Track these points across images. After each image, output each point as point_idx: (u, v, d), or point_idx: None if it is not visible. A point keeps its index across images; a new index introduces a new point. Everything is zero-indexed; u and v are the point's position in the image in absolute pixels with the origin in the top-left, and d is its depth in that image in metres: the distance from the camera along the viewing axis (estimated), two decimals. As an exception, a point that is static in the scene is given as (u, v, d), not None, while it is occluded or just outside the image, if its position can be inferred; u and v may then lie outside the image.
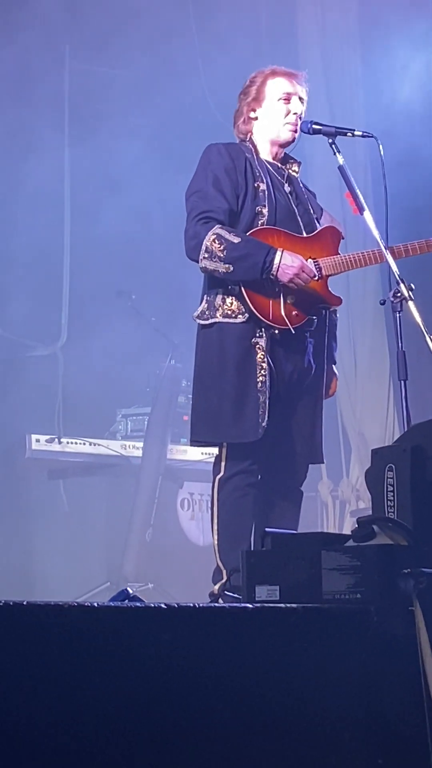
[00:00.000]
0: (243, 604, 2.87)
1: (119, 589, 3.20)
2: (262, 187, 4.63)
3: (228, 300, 4.56)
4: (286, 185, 4.74)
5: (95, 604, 2.45)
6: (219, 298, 4.58)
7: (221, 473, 4.54)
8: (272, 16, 8.11)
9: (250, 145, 4.75)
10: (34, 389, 7.65)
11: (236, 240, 4.47)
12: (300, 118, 4.72)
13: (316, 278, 4.61)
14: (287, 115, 4.71)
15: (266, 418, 4.47)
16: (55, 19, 7.69)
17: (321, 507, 7.82)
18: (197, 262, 4.53)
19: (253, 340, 4.53)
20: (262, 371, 4.51)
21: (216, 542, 4.53)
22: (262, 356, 4.51)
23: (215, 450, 4.63)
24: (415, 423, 3.59)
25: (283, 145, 4.78)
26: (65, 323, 8.11)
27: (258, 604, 2.89)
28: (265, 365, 4.51)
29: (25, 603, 2.32)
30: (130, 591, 3.04)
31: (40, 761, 2.29)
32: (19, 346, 7.87)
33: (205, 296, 4.63)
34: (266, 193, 4.63)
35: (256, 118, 4.76)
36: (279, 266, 4.46)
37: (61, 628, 2.36)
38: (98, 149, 7.81)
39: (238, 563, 3.30)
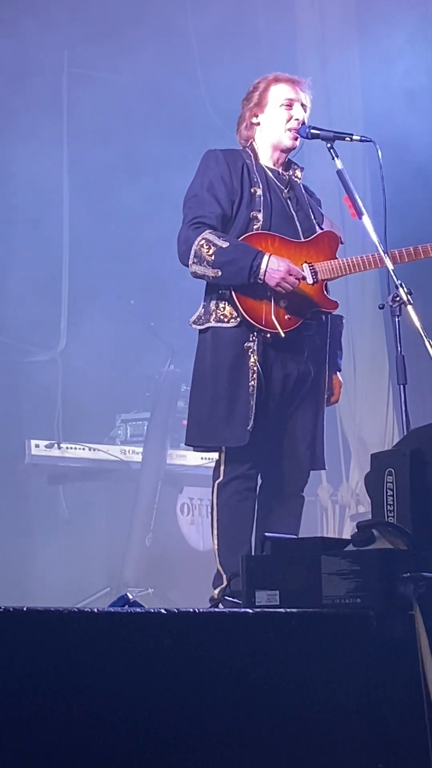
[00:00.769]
0: (243, 609, 2.86)
1: (119, 594, 3.20)
2: (259, 192, 4.64)
3: (221, 305, 4.58)
4: (286, 190, 4.74)
5: (95, 610, 2.45)
6: (214, 303, 4.60)
7: (220, 478, 4.55)
8: (271, 21, 8.12)
9: (250, 151, 4.75)
10: (33, 394, 7.65)
11: (225, 244, 4.48)
12: (302, 124, 4.73)
13: (311, 282, 4.61)
14: (289, 120, 4.72)
15: (252, 422, 4.47)
16: (54, 24, 7.69)
17: (321, 511, 7.82)
18: (188, 266, 4.54)
19: (246, 344, 4.53)
20: (254, 375, 4.51)
21: (216, 547, 4.54)
22: (254, 360, 4.52)
23: (215, 455, 4.64)
24: (415, 427, 3.59)
25: (284, 151, 4.79)
26: (64, 328, 8.11)
27: (258, 609, 2.89)
28: (256, 369, 4.51)
29: (24, 609, 2.32)
30: (130, 596, 3.04)
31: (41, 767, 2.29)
32: (19, 351, 7.87)
33: (203, 302, 4.65)
34: (262, 198, 4.63)
35: (258, 124, 4.77)
36: (266, 270, 4.47)
37: (61, 634, 2.36)
38: (96, 153, 7.82)
39: (238, 568, 3.30)
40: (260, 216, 4.61)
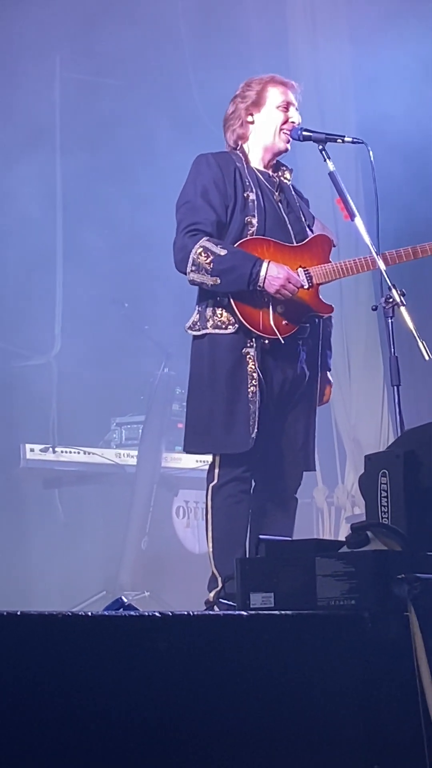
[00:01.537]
0: (238, 612, 2.87)
1: (115, 598, 3.20)
2: (252, 196, 4.64)
3: (218, 311, 4.57)
4: (277, 193, 4.74)
5: (89, 614, 2.45)
6: (210, 309, 4.59)
7: (214, 481, 4.55)
8: (262, 24, 8.12)
9: (241, 154, 4.75)
10: (28, 399, 7.64)
11: (223, 252, 4.48)
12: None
13: (306, 287, 4.61)
14: (285, 122, 4.73)
15: (256, 429, 4.48)
16: (46, 30, 7.69)
17: (317, 513, 7.82)
18: (185, 274, 4.55)
19: (243, 350, 4.53)
20: (253, 381, 4.51)
21: (211, 550, 4.54)
22: (252, 366, 4.52)
23: (209, 457, 4.64)
24: (409, 428, 3.59)
25: (276, 153, 4.79)
26: (59, 332, 8.11)
27: (253, 612, 2.89)
28: (255, 375, 4.51)
29: (18, 613, 2.32)
30: (125, 600, 3.04)
31: (36, 771, 2.29)
32: (13, 355, 7.86)
33: (197, 307, 4.65)
34: (255, 202, 4.63)
35: (252, 122, 4.76)
36: (265, 278, 4.47)
37: (55, 638, 2.36)
38: (90, 157, 7.82)
39: (233, 570, 3.30)
40: (254, 221, 4.61)
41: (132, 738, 2.42)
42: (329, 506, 7.80)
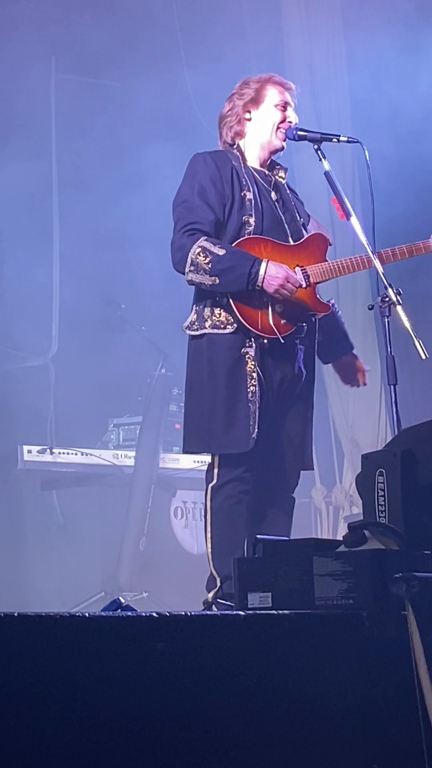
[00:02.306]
0: (235, 612, 2.87)
1: (113, 598, 3.19)
2: (249, 196, 4.63)
3: (216, 311, 4.57)
4: (273, 192, 4.75)
5: (87, 614, 2.45)
6: (208, 308, 4.59)
7: (214, 481, 4.54)
8: (258, 24, 8.11)
9: (237, 153, 4.75)
10: (25, 400, 7.64)
11: (221, 252, 4.48)
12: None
13: (304, 286, 4.61)
14: (282, 121, 4.73)
15: (257, 429, 4.48)
16: (41, 30, 7.69)
17: (315, 513, 7.82)
18: (183, 274, 4.54)
19: (242, 350, 4.53)
20: (252, 381, 4.51)
21: (209, 550, 4.53)
22: (251, 366, 4.52)
23: (208, 458, 4.64)
24: (405, 427, 3.59)
25: (272, 152, 4.79)
26: (56, 334, 8.11)
27: (250, 611, 2.89)
28: (255, 375, 4.51)
29: (16, 614, 2.32)
30: (123, 600, 3.04)
31: (34, 773, 2.29)
32: (10, 357, 7.86)
33: (194, 306, 4.64)
34: (253, 202, 4.63)
35: (250, 119, 4.76)
36: (264, 277, 4.47)
37: (53, 639, 2.36)
38: (85, 158, 7.81)
39: (231, 570, 3.30)
40: (252, 220, 4.61)
41: (131, 738, 2.42)
42: (327, 506, 7.80)
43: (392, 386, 4.44)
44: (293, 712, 2.72)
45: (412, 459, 3.21)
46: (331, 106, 7.81)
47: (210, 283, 4.50)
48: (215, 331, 4.56)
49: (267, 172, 4.79)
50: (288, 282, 4.49)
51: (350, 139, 4.71)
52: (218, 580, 4.44)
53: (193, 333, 4.62)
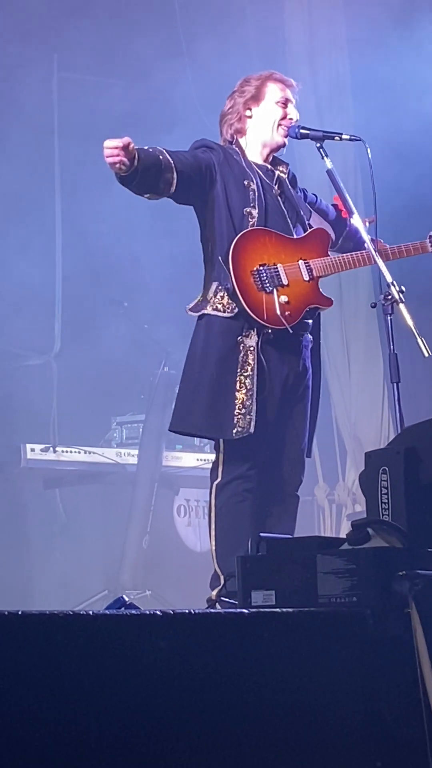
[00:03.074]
0: (239, 610, 2.86)
1: (116, 597, 3.19)
2: (252, 186, 4.64)
3: (220, 295, 4.57)
4: (276, 187, 4.75)
5: (90, 613, 2.45)
6: (212, 292, 4.59)
7: (219, 479, 4.54)
8: (261, 27, 8.11)
9: (237, 148, 4.75)
10: (28, 398, 7.64)
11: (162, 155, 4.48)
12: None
13: (307, 280, 4.61)
14: (284, 118, 4.73)
15: (253, 422, 4.46)
16: (43, 29, 7.69)
17: (318, 511, 7.82)
18: None
19: (239, 337, 4.53)
20: (245, 371, 4.50)
21: (214, 548, 4.54)
22: (246, 355, 4.50)
23: (212, 456, 4.64)
24: (409, 425, 3.59)
25: (274, 149, 4.79)
26: (58, 332, 8.10)
27: (254, 610, 2.89)
28: (251, 365, 4.50)
29: (20, 612, 2.32)
30: (126, 599, 3.04)
31: (38, 771, 2.29)
32: (13, 355, 7.86)
33: (202, 290, 4.64)
34: (256, 193, 4.63)
35: (250, 117, 4.77)
36: None
37: (56, 637, 2.36)
38: (88, 156, 7.80)
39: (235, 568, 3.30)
40: (255, 212, 4.62)
41: (134, 737, 2.42)
42: (330, 504, 7.80)
43: (395, 384, 4.44)
44: (296, 710, 2.72)
45: (415, 457, 3.21)
46: (332, 94, 7.80)
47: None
48: (214, 313, 4.56)
49: (269, 166, 4.79)
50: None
51: (352, 137, 4.71)
52: (222, 577, 4.44)
53: (193, 313, 4.62)
